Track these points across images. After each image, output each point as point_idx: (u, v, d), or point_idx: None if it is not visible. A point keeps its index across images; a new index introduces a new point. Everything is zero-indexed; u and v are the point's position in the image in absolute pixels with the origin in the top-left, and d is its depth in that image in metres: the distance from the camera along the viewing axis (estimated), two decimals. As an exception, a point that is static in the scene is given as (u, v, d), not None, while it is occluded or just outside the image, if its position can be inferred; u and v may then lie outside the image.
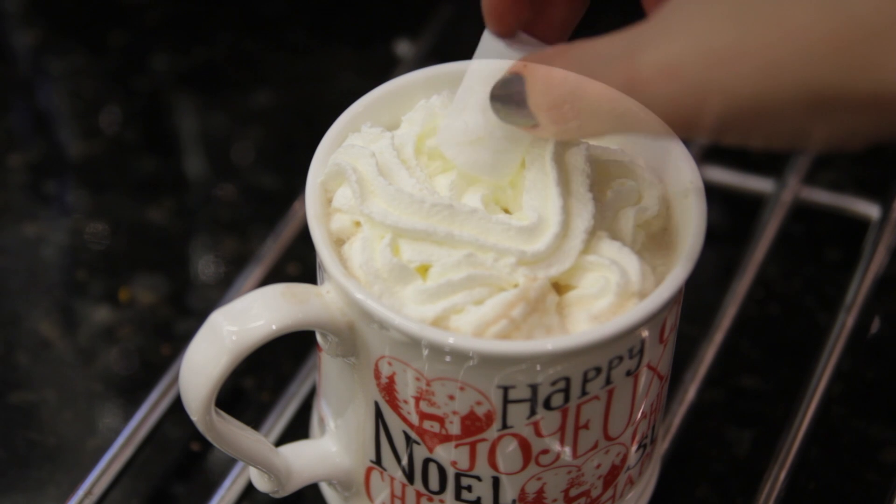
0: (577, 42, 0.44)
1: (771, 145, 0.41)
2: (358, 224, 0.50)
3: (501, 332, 0.47)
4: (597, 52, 0.42)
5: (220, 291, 0.69)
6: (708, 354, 0.64)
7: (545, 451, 0.50)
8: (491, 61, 0.49)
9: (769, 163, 0.73)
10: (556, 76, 0.43)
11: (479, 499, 0.51)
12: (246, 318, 0.48)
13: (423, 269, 0.48)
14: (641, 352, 0.49)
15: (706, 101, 0.39)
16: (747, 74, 0.38)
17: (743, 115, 0.39)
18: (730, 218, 0.73)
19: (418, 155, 0.51)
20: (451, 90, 0.52)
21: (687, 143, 0.52)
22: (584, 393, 0.48)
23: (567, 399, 0.48)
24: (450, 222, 0.48)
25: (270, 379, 0.65)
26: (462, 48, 0.82)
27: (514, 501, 0.51)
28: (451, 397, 0.48)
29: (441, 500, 0.52)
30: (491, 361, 0.47)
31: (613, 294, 0.47)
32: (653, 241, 0.51)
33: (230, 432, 0.51)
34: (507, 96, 0.46)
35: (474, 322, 0.47)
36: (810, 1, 0.37)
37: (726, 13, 0.39)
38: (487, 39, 0.50)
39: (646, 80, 0.40)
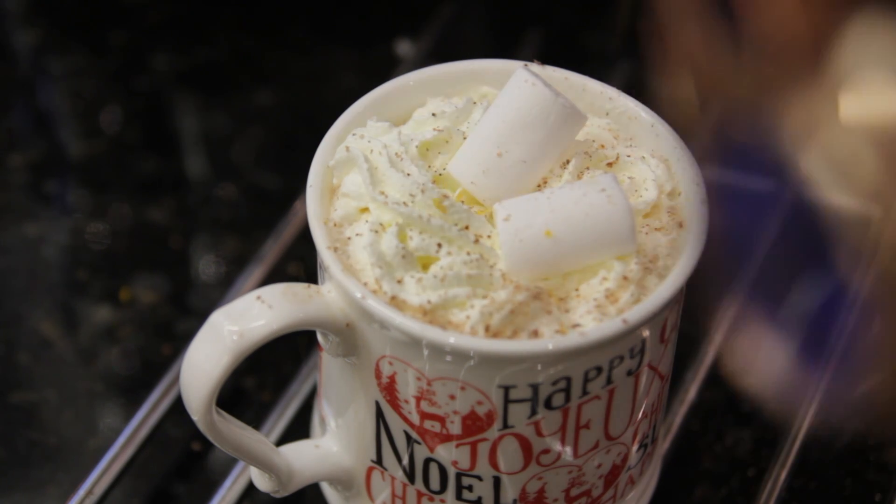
0: None
1: None
2: (364, 210, 0.50)
3: (506, 318, 0.47)
4: None
5: (220, 291, 0.69)
6: (708, 354, 0.64)
7: (546, 451, 0.50)
8: (514, 101, 0.49)
9: (770, 163, 0.73)
10: None
11: (479, 499, 0.51)
12: (247, 318, 0.48)
13: (425, 261, 0.49)
14: (642, 351, 0.49)
15: None
16: None
17: None
18: (730, 218, 0.73)
19: (422, 157, 0.51)
20: (466, 99, 0.52)
21: (688, 142, 0.52)
22: (585, 392, 0.48)
23: (568, 399, 0.48)
24: (465, 225, 0.49)
25: (271, 379, 0.65)
26: (462, 48, 0.82)
27: (514, 501, 0.51)
28: (452, 397, 0.48)
29: (442, 500, 0.52)
30: (492, 361, 0.47)
31: (611, 281, 0.48)
32: (656, 240, 0.51)
33: (231, 432, 0.51)
34: None
35: (480, 310, 0.47)
36: None
37: None
38: (520, 78, 0.50)
39: None
